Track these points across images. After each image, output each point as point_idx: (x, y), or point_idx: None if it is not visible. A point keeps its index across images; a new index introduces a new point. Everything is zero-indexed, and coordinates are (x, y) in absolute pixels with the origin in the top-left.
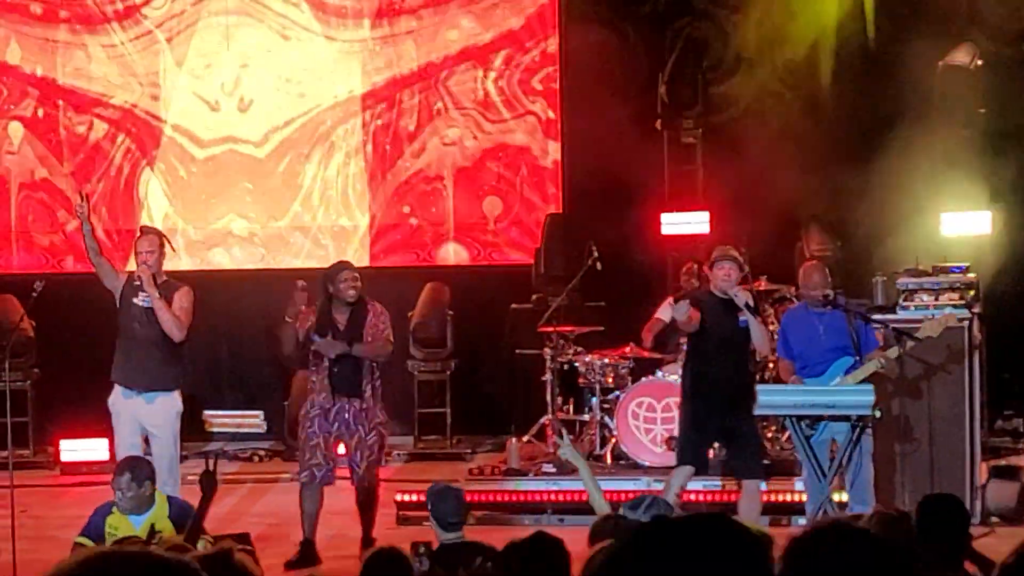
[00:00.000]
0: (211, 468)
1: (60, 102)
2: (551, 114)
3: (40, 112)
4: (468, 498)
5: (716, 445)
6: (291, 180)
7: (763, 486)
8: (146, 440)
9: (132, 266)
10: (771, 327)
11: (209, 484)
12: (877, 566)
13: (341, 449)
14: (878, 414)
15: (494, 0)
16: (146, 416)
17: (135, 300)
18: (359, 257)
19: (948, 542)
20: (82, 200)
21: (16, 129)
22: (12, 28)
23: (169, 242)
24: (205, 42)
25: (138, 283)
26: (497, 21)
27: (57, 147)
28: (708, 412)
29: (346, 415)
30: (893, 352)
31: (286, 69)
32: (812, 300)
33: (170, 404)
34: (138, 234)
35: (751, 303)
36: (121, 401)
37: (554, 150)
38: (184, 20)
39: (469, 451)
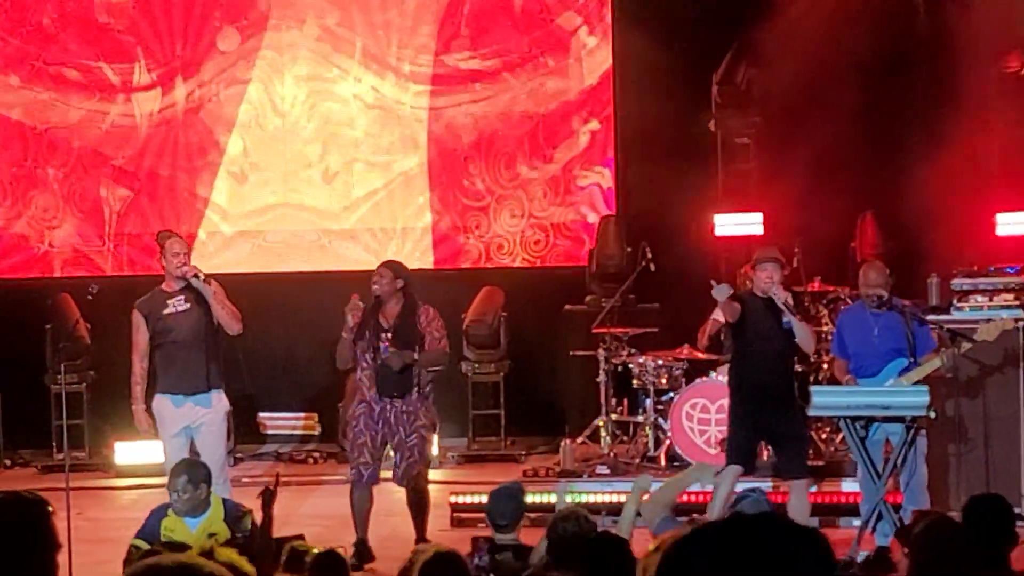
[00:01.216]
0: (272, 488)
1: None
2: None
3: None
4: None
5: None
6: (349, 188)
7: (812, 487)
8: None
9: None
10: (824, 328)
11: (269, 503)
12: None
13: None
14: (933, 415)
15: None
16: (197, 416)
17: (164, 311)
18: (417, 259)
19: (994, 542)
20: None
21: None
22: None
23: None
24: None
25: (194, 276)
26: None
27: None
28: (753, 412)
29: (389, 415)
30: (951, 353)
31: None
32: (868, 300)
33: (218, 403)
34: (163, 239)
35: (790, 302)
36: (168, 407)
37: (607, 151)
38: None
39: (523, 453)
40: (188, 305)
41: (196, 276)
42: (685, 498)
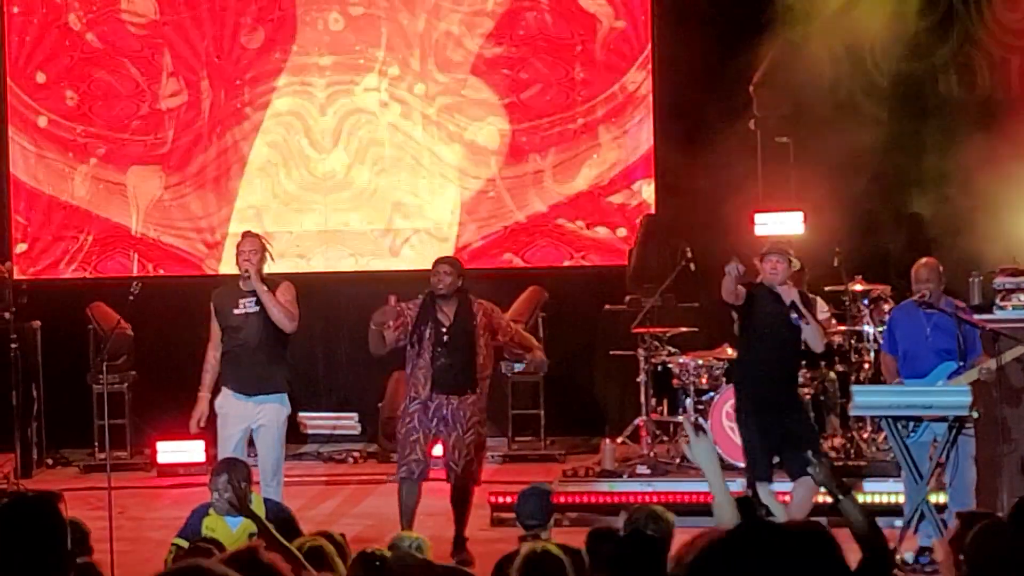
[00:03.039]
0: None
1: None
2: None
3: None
4: (562, 499)
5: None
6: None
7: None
8: (249, 443)
9: (224, 268)
10: (867, 327)
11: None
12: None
13: (438, 450)
14: (976, 414)
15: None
16: (256, 419)
17: (235, 311)
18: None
19: None
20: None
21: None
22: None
23: (270, 247)
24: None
25: (247, 282)
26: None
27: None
28: (757, 415)
29: (444, 412)
30: (994, 363)
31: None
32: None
33: (280, 407)
34: (241, 237)
35: (798, 301)
36: (231, 403)
37: (648, 151)
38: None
39: (563, 452)
40: (258, 308)
41: (247, 274)
42: (690, 499)
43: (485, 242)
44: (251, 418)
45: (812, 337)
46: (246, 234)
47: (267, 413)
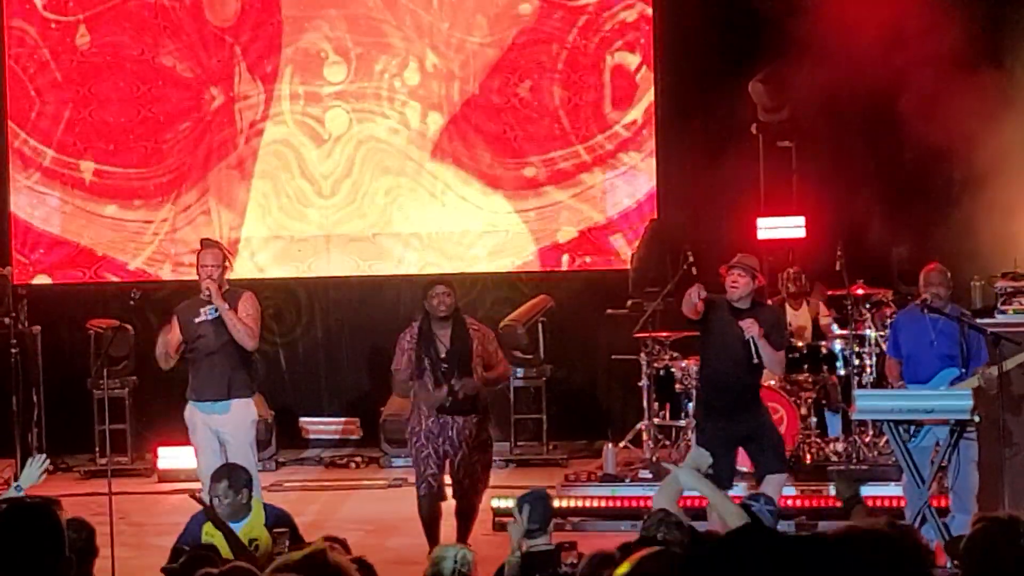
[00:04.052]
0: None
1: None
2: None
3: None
4: (564, 504)
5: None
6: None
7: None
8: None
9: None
10: (869, 331)
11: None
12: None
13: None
14: (977, 419)
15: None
16: (221, 424)
17: (196, 319)
18: (460, 264)
19: None
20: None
21: None
22: None
23: (230, 257)
24: None
25: (208, 293)
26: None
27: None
28: (717, 427)
29: (451, 432)
30: (995, 370)
31: None
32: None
33: (244, 411)
34: (200, 247)
35: (756, 338)
36: (197, 414)
37: (649, 155)
38: None
39: (565, 457)
40: (217, 314)
41: (208, 292)
42: (692, 504)
43: (491, 245)
44: (218, 424)
45: (769, 362)
46: (205, 243)
47: (232, 420)
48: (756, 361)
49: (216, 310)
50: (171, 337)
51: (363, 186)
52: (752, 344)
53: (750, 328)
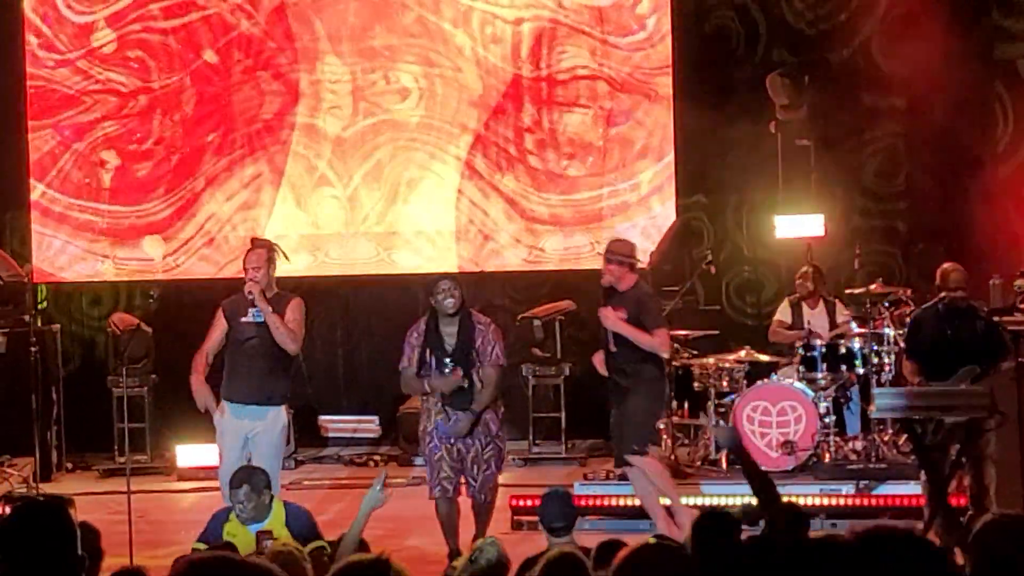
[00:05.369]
0: None
1: None
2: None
3: None
4: (582, 503)
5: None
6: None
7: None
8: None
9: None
10: (887, 330)
11: None
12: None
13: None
14: (996, 416)
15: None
16: (252, 430)
17: (243, 318)
18: (473, 260)
19: None
20: None
21: None
22: None
23: (282, 252)
24: None
25: (251, 295)
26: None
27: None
28: (614, 407)
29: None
30: (1009, 364)
31: None
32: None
33: (277, 418)
34: (250, 244)
35: (612, 329)
36: (228, 418)
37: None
38: None
39: (584, 455)
40: (262, 317)
41: (251, 295)
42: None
43: (505, 242)
44: (249, 429)
45: (651, 348)
46: (253, 243)
47: (264, 426)
48: (613, 349)
49: (261, 312)
50: (212, 334)
51: (386, 184)
52: (607, 332)
53: (605, 319)
